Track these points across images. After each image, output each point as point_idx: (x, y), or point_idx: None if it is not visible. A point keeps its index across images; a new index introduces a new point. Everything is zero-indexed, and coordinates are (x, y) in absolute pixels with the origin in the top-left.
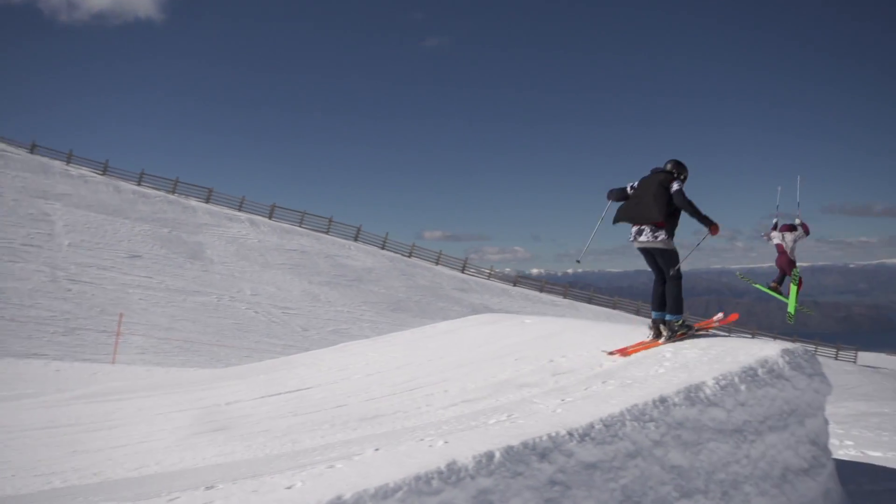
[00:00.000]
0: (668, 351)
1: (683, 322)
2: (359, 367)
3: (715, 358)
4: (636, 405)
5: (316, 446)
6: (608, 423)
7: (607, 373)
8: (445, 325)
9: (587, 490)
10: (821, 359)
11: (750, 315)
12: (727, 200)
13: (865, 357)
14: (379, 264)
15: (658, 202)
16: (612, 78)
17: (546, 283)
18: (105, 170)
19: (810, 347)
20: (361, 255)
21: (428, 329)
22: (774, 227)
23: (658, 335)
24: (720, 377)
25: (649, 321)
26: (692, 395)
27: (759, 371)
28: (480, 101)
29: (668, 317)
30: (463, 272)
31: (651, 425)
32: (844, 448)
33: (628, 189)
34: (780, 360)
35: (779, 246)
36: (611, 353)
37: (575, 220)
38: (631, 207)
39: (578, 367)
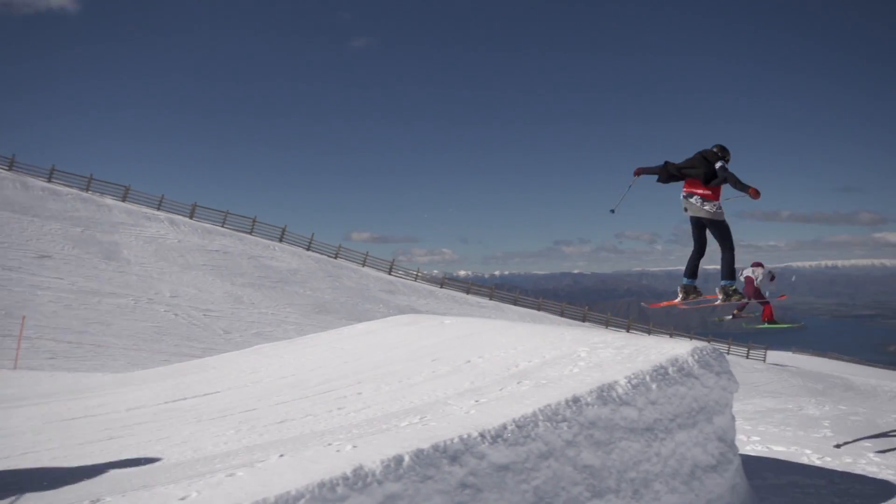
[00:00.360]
0: (584, 350)
1: (735, 288)
2: (272, 369)
3: (628, 357)
4: (549, 405)
5: (218, 454)
6: (521, 424)
7: (523, 373)
8: (364, 327)
9: (499, 492)
10: (733, 358)
11: (668, 316)
12: (646, 206)
13: (774, 356)
14: (304, 265)
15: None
16: (539, 77)
17: (473, 285)
18: (11, 165)
19: (720, 346)
20: (286, 257)
21: (346, 330)
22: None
23: (685, 298)
24: (632, 376)
25: (680, 285)
26: (605, 394)
27: (670, 370)
28: (408, 102)
29: (723, 282)
30: (390, 274)
31: (564, 425)
32: (751, 444)
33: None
34: (690, 359)
35: (748, 278)
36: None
37: (502, 223)
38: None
39: (495, 367)
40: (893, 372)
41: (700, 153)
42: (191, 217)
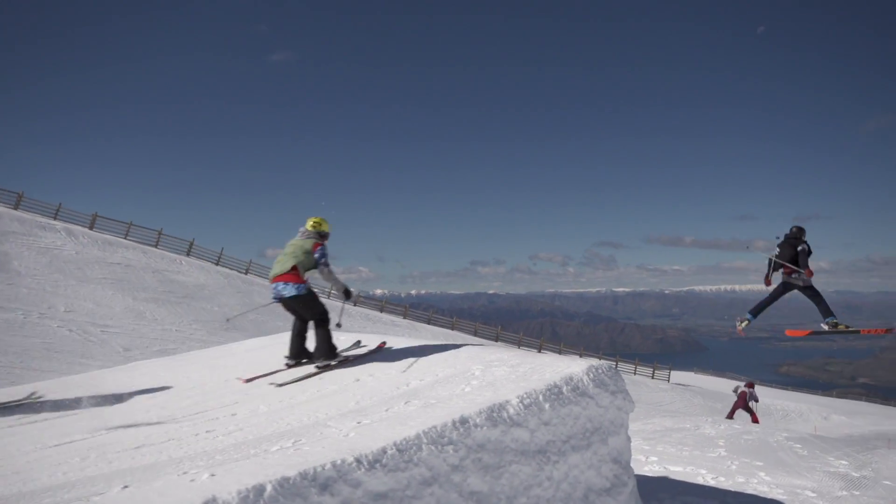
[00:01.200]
0: (478, 368)
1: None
2: (142, 388)
3: (522, 376)
4: (435, 427)
5: (52, 486)
6: (402, 448)
7: (413, 392)
8: (254, 342)
9: None
10: (639, 378)
11: (579, 336)
12: (559, 228)
13: (677, 376)
14: (213, 280)
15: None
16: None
17: (387, 304)
18: None
19: (626, 366)
20: (194, 271)
21: (234, 346)
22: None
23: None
24: (525, 396)
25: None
26: (495, 415)
27: (564, 389)
28: (326, 117)
29: (828, 319)
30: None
31: (450, 448)
32: (649, 464)
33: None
34: (585, 378)
35: (742, 393)
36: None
37: (420, 242)
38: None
39: (384, 386)
40: (785, 391)
41: (786, 236)
42: (90, 228)
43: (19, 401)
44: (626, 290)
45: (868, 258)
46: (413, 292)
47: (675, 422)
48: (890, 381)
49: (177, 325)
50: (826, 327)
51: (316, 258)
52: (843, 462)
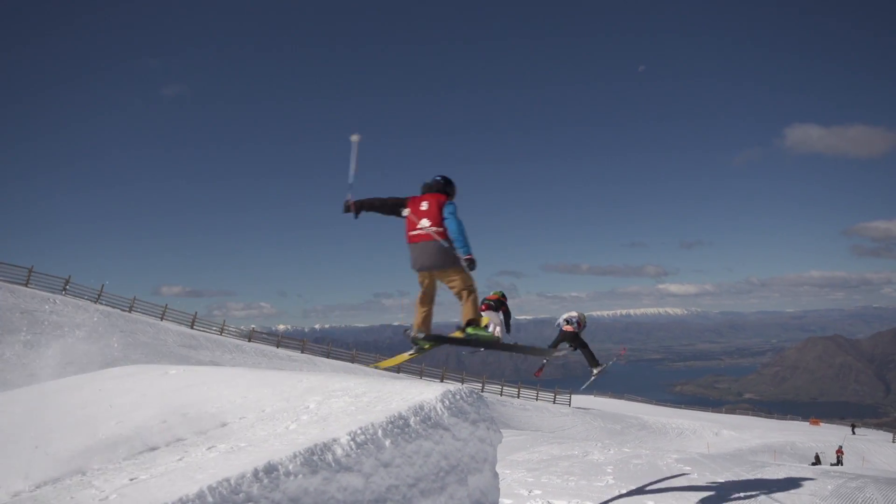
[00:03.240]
0: (315, 401)
1: None
2: None
3: (364, 407)
4: (227, 480)
5: None
6: None
7: (224, 433)
8: (74, 380)
9: None
10: (541, 403)
11: (484, 365)
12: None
13: (578, 400)
14: (91, 320)
15: None
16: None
17: (283, 338)
18: None
19: (529, 392)
20: (69, 310)
21: (52, 384)
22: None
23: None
24: (359, 431)
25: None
26: (316, 458)
27: (412, 420)
28: (221, 152)
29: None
30: (192, 328)
31: None
32: (532, 499)
33: None
34: (439, 406)
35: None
36: None
37: (321, 276)
38: None
39: (193, 426)
40: (678, 409)
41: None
42: None
43: None
44: (529, 317)
45: (747, 280)
46: (317, 326)
47: (562, 449)
48: (772, 395)
49: (48, 370)
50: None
51: None
52: (734, 482)
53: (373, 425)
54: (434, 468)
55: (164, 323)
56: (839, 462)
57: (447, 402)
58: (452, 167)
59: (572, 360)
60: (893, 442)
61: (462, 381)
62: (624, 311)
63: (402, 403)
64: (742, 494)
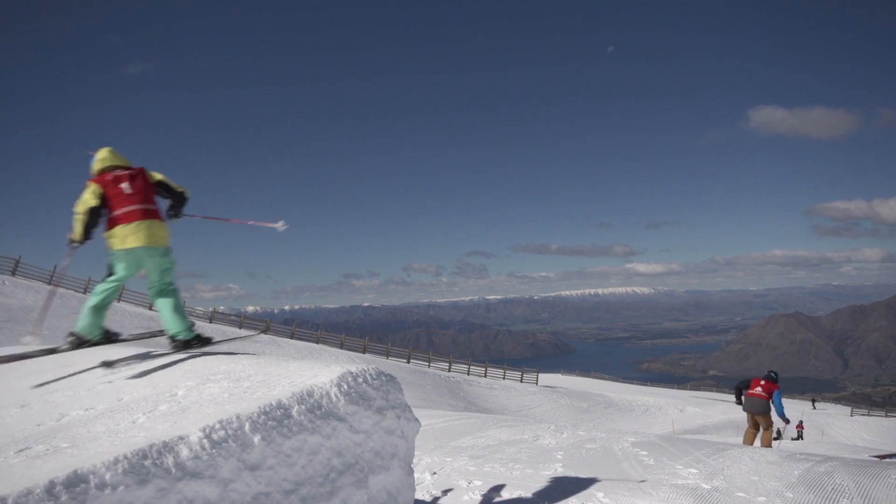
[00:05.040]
0: (187, 386)
1: None
2: None
3: (241, 394)
4: (3, 500)
5: None
6: None
7: (57, 429)
8: None
9: None
10: (508, 382)
11: (454, 344)
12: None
13: (545, 378)
14: (43, 301)
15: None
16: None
17: (245, 319)
18: None
19: (496, 371)
20: (20, 292)
21: None
22: None
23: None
24: (218, 426)
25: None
26: (149, 463)
27: (295, 410)
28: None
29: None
30: (151, 309)
31: None
32: (471, 492)
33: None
34: (334, 391)
35: None
36: None
37: (291, 256)
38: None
39: (22, 422)
40: (644, 387)
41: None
42: None
43: None
44: (498, 297)
45: (713, 260)
46: (287, 308)
47: (512, 433)
48: (736, 371)
49: None
50: None
51: None
52: (693, 471)
53: (238, 417)
54: (322, 468)
55: (121, 304)
56: (800, 437)
57: (345, 386)
58: (422, 148)
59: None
60: (851, 416)
61: (428, 363)
62: (592, 291)
63: (286, 389)
64: (702, 483)
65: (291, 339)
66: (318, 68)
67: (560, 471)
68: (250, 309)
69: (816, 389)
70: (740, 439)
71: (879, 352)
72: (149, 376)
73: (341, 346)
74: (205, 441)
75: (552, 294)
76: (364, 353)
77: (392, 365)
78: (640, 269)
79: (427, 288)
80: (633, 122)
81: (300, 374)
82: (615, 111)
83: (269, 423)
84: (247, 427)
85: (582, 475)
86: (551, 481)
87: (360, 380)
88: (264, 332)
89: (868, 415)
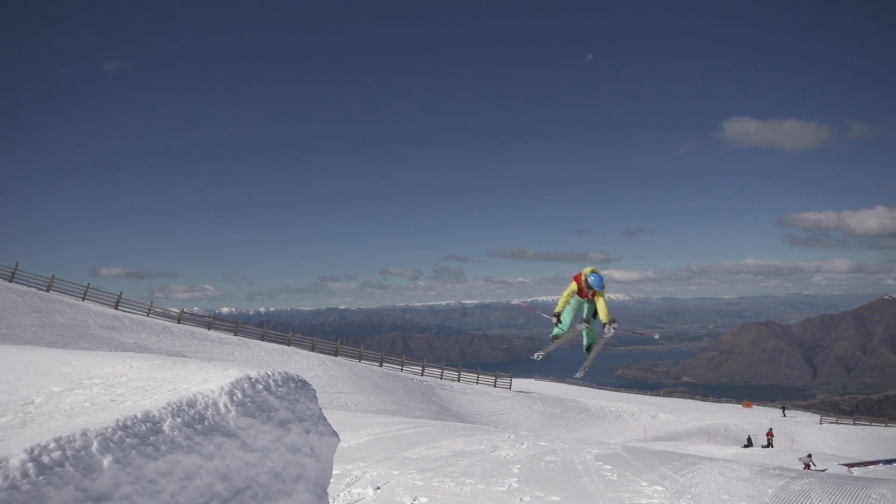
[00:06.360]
0: (49, 392)
1: None
2: None
3: (108, 403)
4: None
5: None
6: None
7: None
8: None
9: None
10: (482, 387)
11: (430, 348)
12: (409, 241)
13: (519, 383)
14: (3, 299)
15: None
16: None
17: (215, 320)
18: None
19: (469, 375)
20: None
21: None
22: None
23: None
24: (53, 446)
25: None
26: None
27: (167, 424)
28: (168, 130)
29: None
30: (116, 308)
31: None
32: None
33: None
34: (223, 401)
35: None
36: None
37: (267, 258)
38: None
39: None
40: (618, 393)
41: None
42: None
43: None
44: (475, 302)
45: (687, 268)
46: (262, 309)
47: (468, 443)
48: (708, 378)
49: None
50: None
51: None
52: (658, 488)
53: (84, 434)
54: (199, 496)
55: (86, 303)
56: (769, 444)
57: (239, 394)
58: (400, 150)
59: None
60: (820, 423)
61: (401, 367)
62: None
63: (163, 397)
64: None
65: (262, 340)
66: (296, 69)
67: (514, 486)
68: (225, 310)
69: (786, 397)
70: (712, 448)
71: (847, 361)
72: (17, 378)
73: (313, 349)
74: (29, 466)
75: (528, 299)
76: (336, 356)
77: (364, 368)
78: (615, 275)
79: (404, 291)
80: (611, 128)
81: (188, 380)
82: (593, 117)
83: (129, 440)
84: (94, 446)
85: (538, 492)
86: (503, 498)
87: (260, 386)
88: (234, 333)
89: (836, 423)
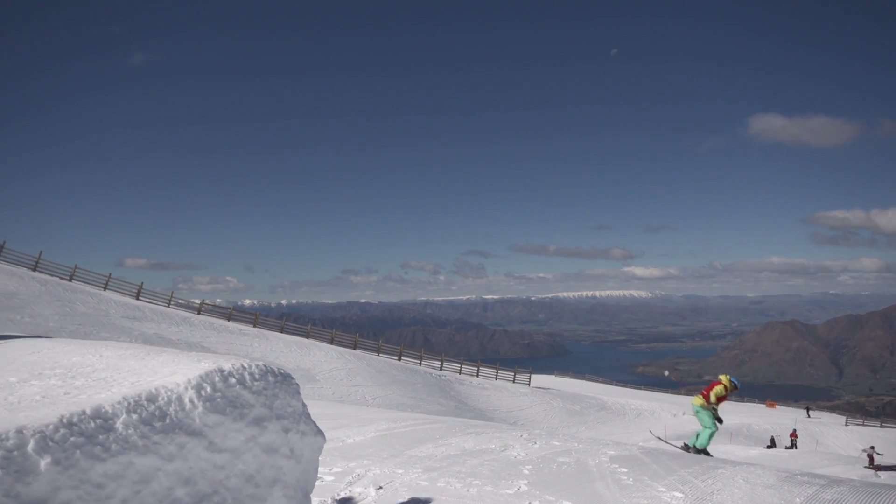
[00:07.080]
0: (10, 379)
1: None
2: None
3: (62, 396)
4: None
5: None
6: None
7: None
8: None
9: None
10: (500, 382)
11: (451, 343)
12: (430, 235)
13: (539, 379)
14: (27, 288)
15: None
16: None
17: (235, 312)
18: None
19: (488, 370)
20: (3, 278)
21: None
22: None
23: None
24: None
25: None
26: None
27: (121, 421)
28: (193, 123)
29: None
30: (137, 298)
31: None
32: None
33: None
34: (189, 396)
35: None
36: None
37: (289, 251)
38: None
39: None
40: (638, 391)
41: None
42: None
43: None
44: (495, 297)
45: (710, 265)
46: (283, 302)
47: (479, 441)
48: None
49: None
50: None
51: None
52: (677, 494)
53: (20, 433)
54: (155, 503)
55: (107, 293)
56: (793, 445)
57: (208, 388)
58: (424, 146)
59: (537, 341)
60: (846, 425)
61: (420, 361)
62: (590, 293)
63: (121, 391)
64: None
65: (281, 333)
66: (319, 64)
67: (523, 489)
68: (247, 302)
69: (811, 398)
70: (734, 448)
71: (874, 361)
72: None
73: (332, 342)
74: None
75: (549, 295)
76: (355, 349)
77: (383, 362)
78: (637, 272)
79: (424, 286)
80: (635, 125)
81: (156, 372)
82: (616, 114)
83: (73, 439)
84: (30, 446)
85: (548, 496)
86: (511, 500)
87: (234, 380)
88: (253, 325)
89: (863, 424)
